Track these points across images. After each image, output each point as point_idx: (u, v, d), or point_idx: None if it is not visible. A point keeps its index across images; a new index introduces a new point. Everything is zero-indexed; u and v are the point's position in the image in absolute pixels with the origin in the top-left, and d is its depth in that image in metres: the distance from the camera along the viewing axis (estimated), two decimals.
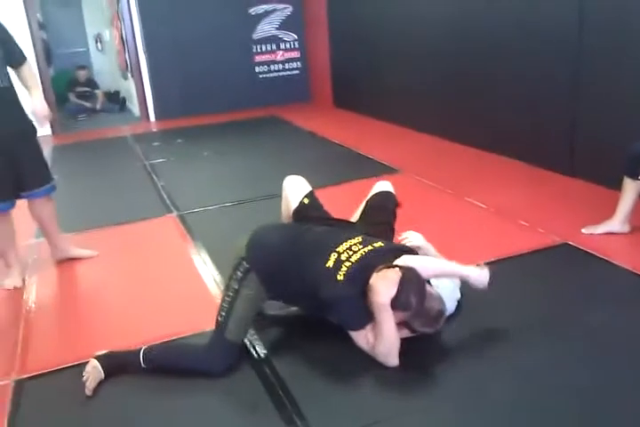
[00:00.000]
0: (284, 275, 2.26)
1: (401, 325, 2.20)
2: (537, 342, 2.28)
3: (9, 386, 2.26)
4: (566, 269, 2.88)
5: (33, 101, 3.06)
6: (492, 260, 2.96)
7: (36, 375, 2.31)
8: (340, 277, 2.15)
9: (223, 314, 2.24)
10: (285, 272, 2.26)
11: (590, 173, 3.94)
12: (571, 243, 3.09)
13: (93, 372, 2.20)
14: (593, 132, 3.91)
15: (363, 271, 2.16)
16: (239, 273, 2.25)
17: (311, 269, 2.22)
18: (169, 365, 2.25)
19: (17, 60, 3.06)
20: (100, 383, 2.20)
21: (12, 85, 3.02)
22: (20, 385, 2.26)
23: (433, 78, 5.52)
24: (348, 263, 2.18)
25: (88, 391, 2.16)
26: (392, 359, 2.15)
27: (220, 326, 2.24)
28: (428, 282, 2.33)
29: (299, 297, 2.34)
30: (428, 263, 2.30)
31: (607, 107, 3.77)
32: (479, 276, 2.32)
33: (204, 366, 2.20)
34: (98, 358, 2.25)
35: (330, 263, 2.20)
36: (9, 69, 3.02)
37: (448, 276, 2.41)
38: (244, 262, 2.25)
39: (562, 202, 3.71)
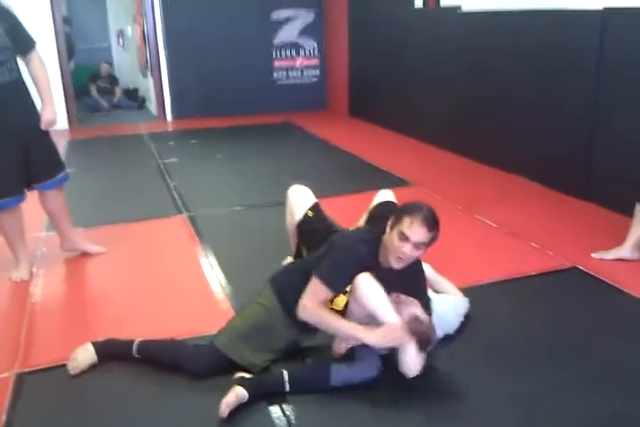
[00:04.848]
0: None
1: None
2: (538, 369, 2.26)
3: (10, 379, 2.26)
4: (574, 294, 2.86)
5: (44, 108, 3.02)
6: (499, 280, 2.96)
7: (37, 370, 2.32)
8: None
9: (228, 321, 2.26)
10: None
11: (604, 197, 3.92)
12: (580, 267, 3.08)
13: (82, 353, 2.28)
14: (609, 156, 3.90)
15: None
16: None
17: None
18: (159, 357, 2.28)
19: (26, 47, 2.98)
20: (100, 378, 2.23)
21: (21, 77, 2.97)
22: (20, 379, 2.27)
23: (450, 95, 5.51)
24: None
25: (73, 371, 2.25)
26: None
27: (218, 332, 2.27)
28: (428, 307, 2.28)
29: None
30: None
31: (624, 133, 3.75)
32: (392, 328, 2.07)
33: (185, 365, 2.21)
34: (94, 343, 2.33)
35: None
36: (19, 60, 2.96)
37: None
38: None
39: (574, 225, 3.69)
